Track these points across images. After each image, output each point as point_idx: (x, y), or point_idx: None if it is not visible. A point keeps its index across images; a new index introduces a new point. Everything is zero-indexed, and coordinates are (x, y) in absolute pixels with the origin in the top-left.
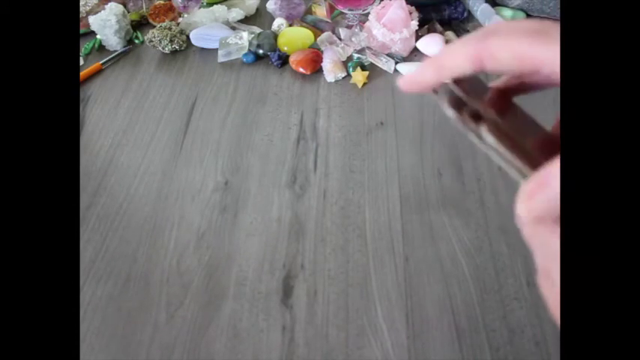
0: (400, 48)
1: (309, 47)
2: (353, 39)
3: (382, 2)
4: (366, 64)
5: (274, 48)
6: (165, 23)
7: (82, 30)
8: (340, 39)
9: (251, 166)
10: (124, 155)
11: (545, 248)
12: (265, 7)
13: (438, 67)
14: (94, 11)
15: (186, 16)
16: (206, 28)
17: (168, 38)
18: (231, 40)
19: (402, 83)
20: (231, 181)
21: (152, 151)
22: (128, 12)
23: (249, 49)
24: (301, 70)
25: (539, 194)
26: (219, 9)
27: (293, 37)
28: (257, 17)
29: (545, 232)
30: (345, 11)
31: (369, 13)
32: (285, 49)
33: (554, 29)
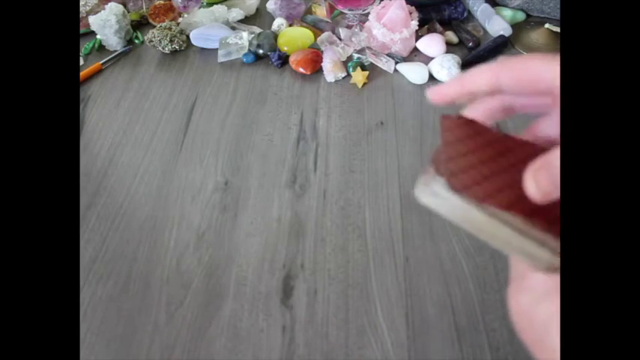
0: (400, 48)
1: (309, 47)
2: (353, 39)
3: (382, 2)
4: (366, 64)
5: (274, 48)
6: (165, 23)
7: (82, 30)
8: (340, 39)
9: (251, 166)
10: (124, 155)
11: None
12: (265, 7)
13: (461, 82)
14: (94, 11)
15: (186, 16)
16: (206, 28)
17: (168, 38)
18: (231, 40)
19: (430, 94)
20: (231, 181)
21: (152, 151)
22: (128, 12)
23: (249, 49)
24: (301, 70)
25: (545, 170)
26: (219, 9)
27: (293, 37)
28: (257, 17)
29: None
30: (345, 11)
31: (369, 13)
32: (285, 49)
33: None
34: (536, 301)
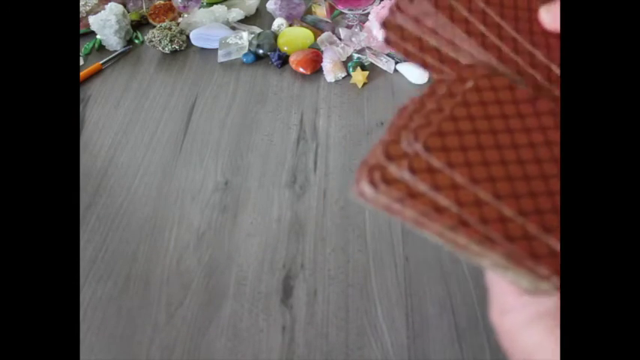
0: None
1: (309, 47)
2: (353, 39)
3: (382, 2)
4: (366, 64)
5: (274, 48)
6: (165, 23)
7: (82, 30)
8: (340, 39)
9: (251, 166)
10: (124, 155)
11: None
12: (265, 7)
13: None
14: (94, 11)
15: (186, 16)
16: (206, 28)
17: (168, 38)
18: (231, 40)
19: None
20: (231, 181)
21: (152, 151)
22: (128, 12)
23: (249, 49)
24: (301, 70)
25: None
26: (219, 9)
27: (293, 37)
28: (257, 17)
29: None
30: (345, 11)
31: (369, 13)
32: (285, 49)
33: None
34: (520, 325)
